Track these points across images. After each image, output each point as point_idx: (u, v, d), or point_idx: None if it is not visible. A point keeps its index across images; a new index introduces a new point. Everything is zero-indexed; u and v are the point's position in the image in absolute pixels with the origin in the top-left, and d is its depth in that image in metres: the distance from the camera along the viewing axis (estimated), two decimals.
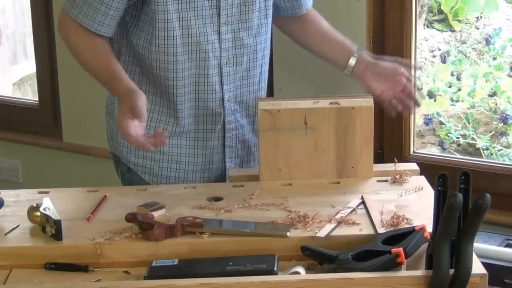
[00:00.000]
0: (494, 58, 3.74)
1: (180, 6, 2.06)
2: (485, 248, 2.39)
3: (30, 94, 4.48)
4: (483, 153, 3.57)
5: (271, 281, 1.56)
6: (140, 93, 1.97)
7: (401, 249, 1.57)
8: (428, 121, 3.69)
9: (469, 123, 3.64)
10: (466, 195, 1.56)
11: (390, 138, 2.91)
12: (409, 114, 2.48)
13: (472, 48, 3.85)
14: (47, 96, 3.74)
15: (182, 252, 1.71)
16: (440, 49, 3.94)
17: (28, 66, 4.37)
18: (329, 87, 2.82)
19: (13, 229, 1.82)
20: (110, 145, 2.30)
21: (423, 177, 2.07)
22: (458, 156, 3.37)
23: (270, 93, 3.02)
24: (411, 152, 2.93)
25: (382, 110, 2.86)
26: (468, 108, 3.72)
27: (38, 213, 1.80)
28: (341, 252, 1.63)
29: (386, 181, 2.06)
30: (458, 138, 3.63)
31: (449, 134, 3.63)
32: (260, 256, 1.67)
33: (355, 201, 1.90)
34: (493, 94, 3.67)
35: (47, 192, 2.04)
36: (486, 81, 3.69)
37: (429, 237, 1.62)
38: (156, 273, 1.63)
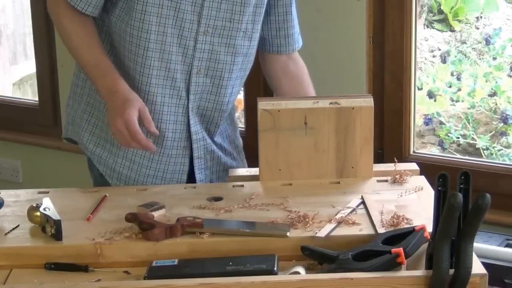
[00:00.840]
0: (494, 58, 3.74)
1: (160, 1, 2.03)
2: (485, 248, 2.39)
3: (30, 94, 4.48)
4: (483, 153, 3.57)
5: (271, 281, 1.56)
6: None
7: (401, 249, 1.57)
8: (428, 121, 3.69)
9: (469, 123, 3.64)
10: (466, 195, 1.56)
11: (390, 138, 2.91)
12: None
13: (472, 48, 3.85)
14: (47, 96, 3.74)
15: (182, 252, 1.71)
16: (440, 49, 3.94)
17: (28, 66, 4.38)
18: (329, 87, 2.83)
19: (13, 229, 1.82)
20: (68, 129, 2.28)
21: (423, 177, 2.07)
22: (458, 156, 3.37)
23: (270, 93, 3.02)
24: (411, 152, 2.93)
25: (382, 110, 2.87)
26: (468, 108, 3.72)
27: (38, 213, 1.80)
28: (341, 252, 1.63)
29: (386, 181, 2.06)
30: (458, 138, 3.63)
31: (449, 134, 3.63)
32: (260, 256, 1.67)
33: (355, 201, 1.90)
34: (493, 94, 3.67)
35: (47, 192, 2.04)
36: (486, 81, 3.69)
37: (429, 237, 1.62)
38: (156, 273, 1.63)
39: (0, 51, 4.55)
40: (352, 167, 2.06)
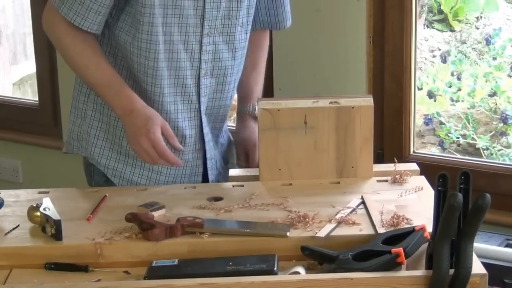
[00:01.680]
0: (494, 58, 3.74)
1: (165, 11, 2.02)
2: (485, 248, 2.39)
3: (30, 94, 4.48)
4: (483, 153, 3.57)
5: (271, 281, 1.56)
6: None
7: (401, 249, 1.57)
8: (428, 121, 3.69)
9: (469, 123, 3.64)
10: (466, 195, 1.56)
11: (390, 138, 2.91)
12: None
13: (472, 48, 3.85)
14: (47, 96, 3.74)
15: (182, 252, 1.71)
16: (440, 49, 3.94)
17: (28, 66, 4.37)
18: (329, 87, 2.83)
19: (13, 229, 1.82)
20: (73, 146, 2.21)
21: (423, 177, 2.07)
22: (458, 156, 3.37)
23: (270, 93, 3.02)
24: (411, 152, 2.93)
25: (382, 110, 2.87)
26: (468, 108, 3.72)
27: (38, 213, 1.80)
28: (341, 252, 1.63)
29: (386, 181, 2.06)
30: (458, 138, 3.63)
31: (449, 134, 3.63)
32: (260, 256, 1.67)
33: (355, 201, 1.90)
34: (493, 94, 3.67)
35: (47, 192, 2.04)
36: (486, 81, 3.69)
37: (429, 237, 1.62)
38: (156, 273, 1.63)
39: (0, 51, 4.55)
40: (352, 167, 2.06)
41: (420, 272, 1.57)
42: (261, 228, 1.76)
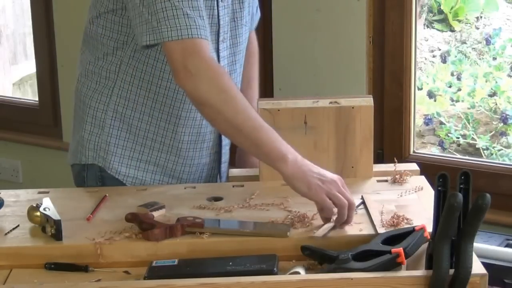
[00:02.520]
0: (494, 58, 3.74)
1: None
2: (485, 248, 2.39)
3: (30, 94, 4.48)
4: (483, 153, 3.57)
5: (271, 281, 1.56)
6: None
7: (401, 249, 1.57)
8: (428, 121, 3.69)
9: (469, 123, 3.64)
10: (466, 195, 1.56)
11: (390, 138, 2.91)
12: None
13: (472, 48, 3.85)
14: (47, 96, 3.74)
15: (182, 252, 1.71)
16: (440, 49, 3.94)
17: (28, 66, 4.38)
18: (329, 87, 2.83)
19: (13, 229, 1.82)
20: (87, 155, 2.14)
21: (423, 177, 2.07)
22: (458, 156, 3.37)
23: (270, 93, 3.02)
24: (411, 152, 2.93)
25: (382, 110, 2.87)
26: (468, 108, 3.72)
27: (38, 213, 1.80)
28: (341, 252, 1.63)
29: (386, 181, 2.06)
30: (458, 138, 3.63)
31: (449, 134, 3.63)
32: (260, 256, 1.67)
33: (355, 201, 1.89)
34: (493, 94, 3.67)
35: (47, 192, 2.04)
36: (486, 81, 3.69)
37: (429, 237, 1.62)
38: (156, 273, 1.63)
39: (0, 51, 4.55)
40: (352, 167, 2.06)
41: (420, 272, 1.57)
42: (261, 228, 1.76)
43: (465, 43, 3.90)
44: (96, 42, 2.09)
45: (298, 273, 1.60)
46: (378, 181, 2.05)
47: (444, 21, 3.96)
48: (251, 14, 2.23)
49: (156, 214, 1.84)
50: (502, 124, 3.58)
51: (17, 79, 4.61)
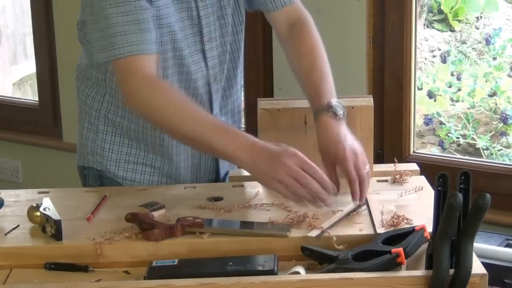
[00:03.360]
0: (494, 58, 3.74)
1: (171, 28, 1.98)
2: (485, 248, 2.39)
3: (30, 94, 4.48)
4: (483, 153, 3.57)
5: (271, 281, 1.56)
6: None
7: (401, 249, 1.57)
8: (428, 121, 3.69)
9: (469, 123, 3.64)
10: (466, 195, 1.56)
11: (390, 138, 2.91)
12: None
13: (472, 48, 3.85)
14: (47, 96, 3.74)
15: (182, 252, 1.71)
16: (440, 49, 3.94)
17: (28, 66, 4.38)
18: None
19: (13, 229, 1.82)
20: (88, 159, 2.16)
21: (423, 177, 2.07)
22: (458, 156, 3.37)
23: (270, 93, 3.02)
24: (411, 152, 2.93)
25: (382, 110, 2.87)
26: (468, 108, 3.72)
27: (38, 213, 1.80)
28: (341, 252, 1.63)
29: (386, 181, 2.05)
30: (458, 138, 3.63)
31: (449, 134, 3.64)
32: (260, 256, 1.67)
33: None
34: (493, 94, 3.67)
35: (47, 192, 2.04)
36: (486, 81, 3.70)
37: (429, 237, 1.62)
38: (156, 273, 1.63)
39: (0, 51, 4.55)
40: None
41: (420, 272, 1.57)
42: (261, 228, 1.76)
43: (465, 43, 3.90)
44: (86, 48, 2.10)
45: (298, 273, 1.60)
46: (378, 181, 2.05)
47: (444, 21, 3.97)
48: None
49: (156, 214, 1.84)
50: (502, 124, 3.59)
51: (17, 79, 4.61)
